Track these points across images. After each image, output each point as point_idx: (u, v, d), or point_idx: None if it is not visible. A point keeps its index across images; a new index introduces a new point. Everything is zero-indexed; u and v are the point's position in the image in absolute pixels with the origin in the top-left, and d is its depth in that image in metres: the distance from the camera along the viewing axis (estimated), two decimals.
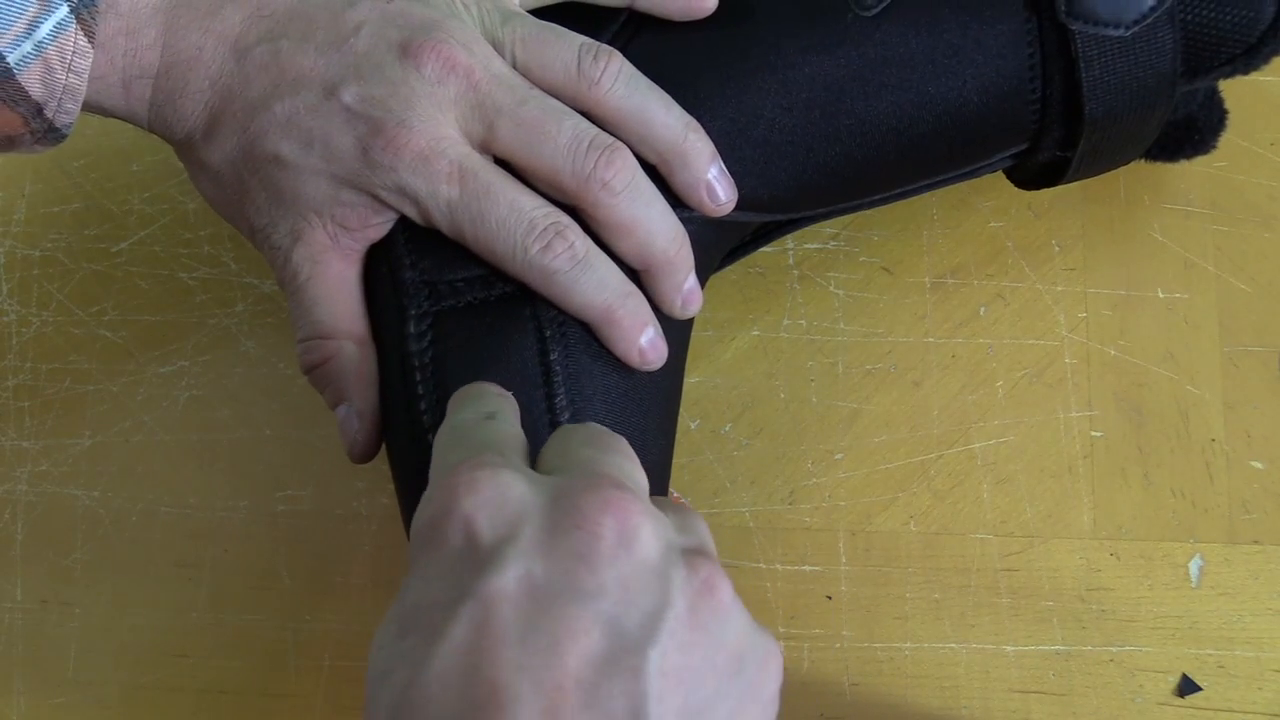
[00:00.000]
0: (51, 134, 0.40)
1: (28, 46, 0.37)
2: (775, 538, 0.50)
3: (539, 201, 0.39)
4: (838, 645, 0.49)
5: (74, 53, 0.38)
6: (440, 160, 0.39)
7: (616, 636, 0.29)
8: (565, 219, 0.40)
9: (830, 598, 0.49)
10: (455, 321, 0.40)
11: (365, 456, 0.41)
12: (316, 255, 0.40)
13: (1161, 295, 0.52)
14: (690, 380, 0.50)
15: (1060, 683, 0.48)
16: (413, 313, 0.40)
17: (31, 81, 0.37)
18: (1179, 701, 0.48)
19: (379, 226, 0.41)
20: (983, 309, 0.52)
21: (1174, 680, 0.48)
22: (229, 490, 0.51)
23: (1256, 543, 0.50)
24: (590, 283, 0.39)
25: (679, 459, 0.49)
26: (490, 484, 0.31)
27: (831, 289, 0.52)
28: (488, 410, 0.35)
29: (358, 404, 0.40)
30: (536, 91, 0.40)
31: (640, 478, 0.33)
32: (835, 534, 0.50)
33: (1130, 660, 0.49)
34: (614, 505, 0.30)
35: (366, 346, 0.41)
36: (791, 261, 0.52)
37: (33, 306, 0.53)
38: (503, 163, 0.40)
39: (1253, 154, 0.50)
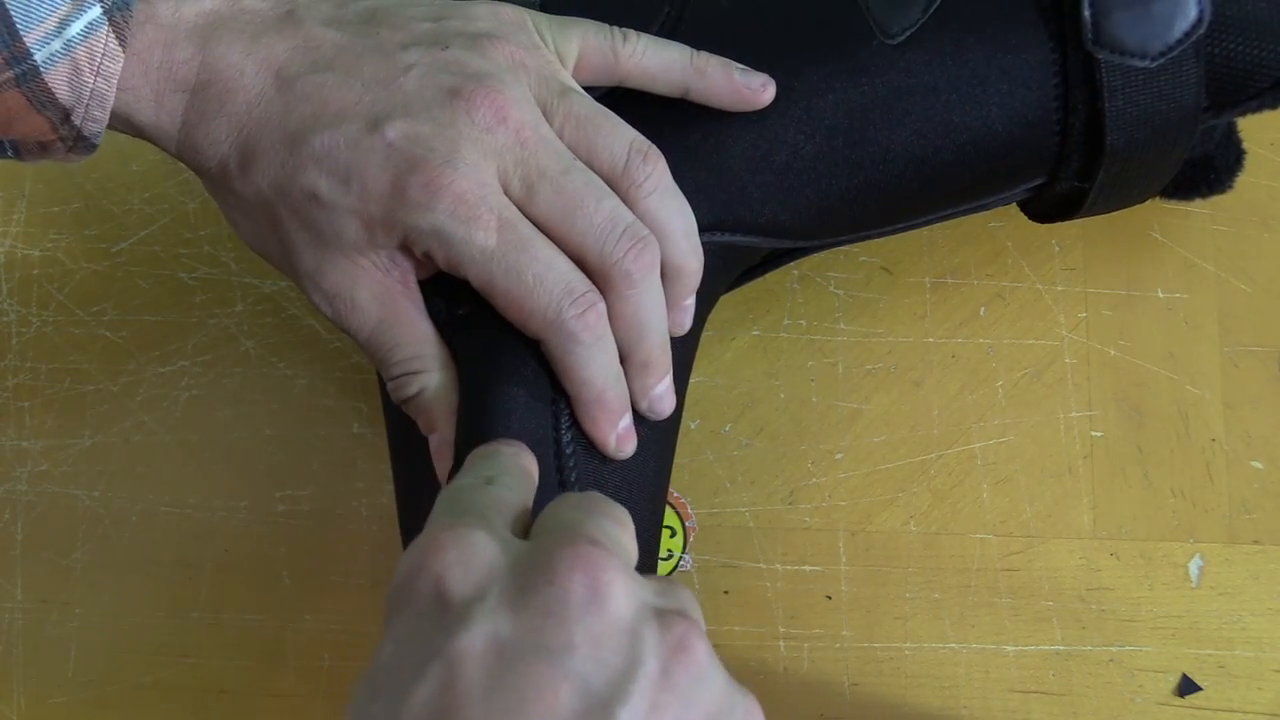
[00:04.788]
0: (81, 143, 0.39)
1: (56, 45, 0.36)
2: (775, 538, 0.50)
3: (574, 267, 0.39)
4: (838, 645, 0.49)
5: (104, 55, 0.37)
6: (480, 207, 0.38)
7: (585, 695, 0.28)
8: (597, 294, 0.39)
9: (830, 598, 0.49)
10: (470, 330, 0.40)
11: None
12: (381, 296, 0.40)
13: (1161, 295, 0.52)
14: (690, 380, 0.50)
15: (1060, 683, 0.48)
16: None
17: (59, 82, 0.37)
18: (1179, 701, 0.48)
19: (425, 264, 0.40)
20: (983, 309, 0.52)
21: (1174, 680, 0.48)
22: (229, 490, 0.51)
23: (1256, 543, 0.50)
24: (601, 361, 0.39)
25: (679, 459, 0.49)
26: (459, 544, 0.30)
27: (831, 289, 0.52)
28: (489, 473, 0.35)
29: (447, 434, 0.40)
30: (580, 164, 0.40)
31: (627, 543, 0.32)
32: (835, 534, 0.50)
33: (1130, 660, 0.49)
34: (586, 561, 0.30)
35: (451, 371, 0.40)
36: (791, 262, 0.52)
37: (33, 306, 0.53)
38: None
39: (1253, 154, 0.50)
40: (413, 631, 0.30)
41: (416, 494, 0.42)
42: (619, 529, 0.32)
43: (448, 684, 0.28)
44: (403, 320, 0.40)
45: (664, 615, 0.30)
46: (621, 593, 0.30)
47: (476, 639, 0.28)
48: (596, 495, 0.34)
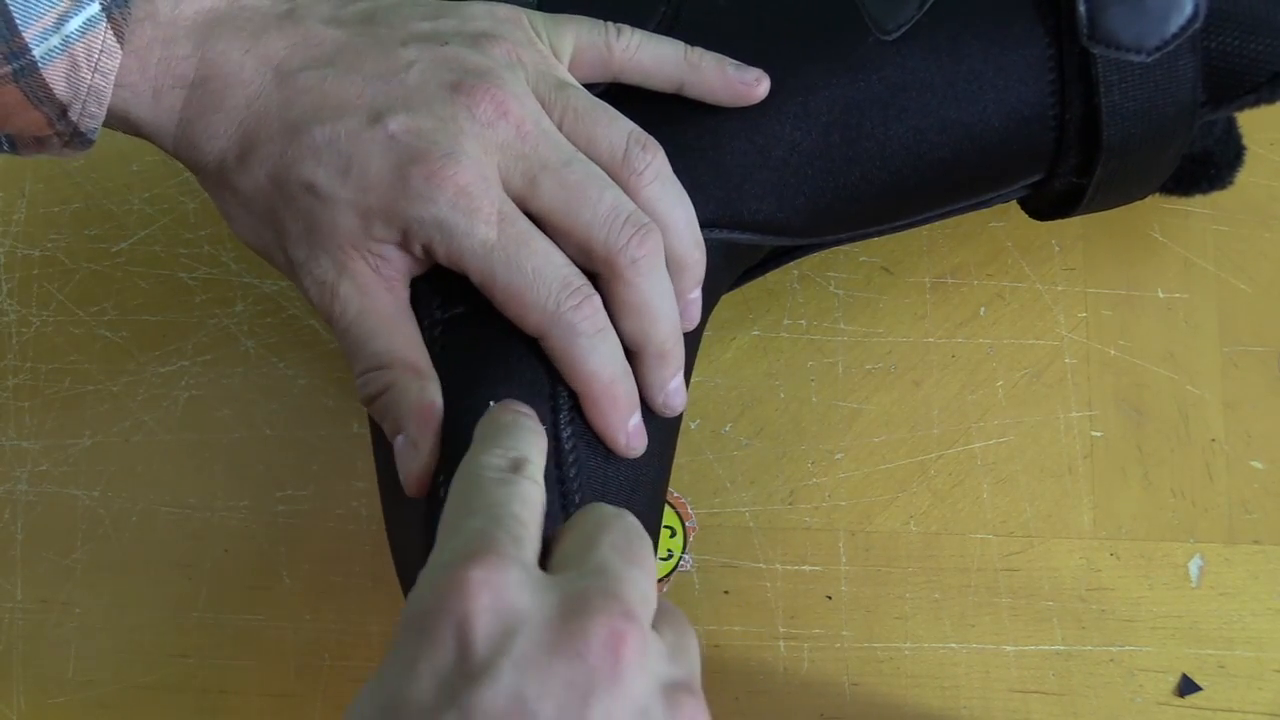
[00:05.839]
0: (78, 138, 0.39)
1: (55, 41, 0.36)
2: (775, 538, 0.50)
3: (570, 263, 0.39)
4: (838, 645, 0.49)
5: (101, 51, 0.37)
6: (482, 199, 0.38)
7: None
8: (593, 289, 0.39)
9: (830, 598, 0.49)
10: (465, 328, 0.40)
11: (421, 489, 0.39)
12: (365, 288, 0.39)
13: (1161, 295, 0.52)
14: (690, 380, 0.50)
15: (1060, 683, 0.48)
16: (424, 322, 0.40)
17: (56, 78, 0.37)
18: (1179, 701, 0.48)
19: (420, 261, 0.40)
20: (983, 309, 0.52)
21: (1174, 680, 0.48)
22: (229, 490, 0.51)
23: (1256, 543, 0.50)
24: (604, 353, 0.39)
25: (679, 459, 0.49)
26: (493, 588, 0.30)
27: (831, 288, 0.52)
28: (516, 455, 0.34)
29: (413, 435, 0.39)
30: (581, 155, 0.40)
31: (652, 595, 0.32)
32: (835, 534, 0.50)
33: (1130, 660, 0.49)
34: (617, 638, 0.29)
35: (426, 378, 0.39)
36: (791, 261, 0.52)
37: (33, 306, 0.53)
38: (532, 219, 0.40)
39: (1252, 153, 0.50)
40: (432, 671, 0.29)
41: (397, 495, 0.42)
42: (648, 580, 0.32)
43: None
44: (382, 315, 0.39)
45: (673, 692, 0.30)
46: (639, 671, 0.29)
47: (498, 697, 0.28)
48: (631, 528, 0.33)
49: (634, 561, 0.32)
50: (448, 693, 0.28)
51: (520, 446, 0.35)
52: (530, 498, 0.33)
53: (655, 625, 0.32)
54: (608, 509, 0.34)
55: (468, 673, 0.29)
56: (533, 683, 0.28)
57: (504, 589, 0.30)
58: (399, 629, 0.31)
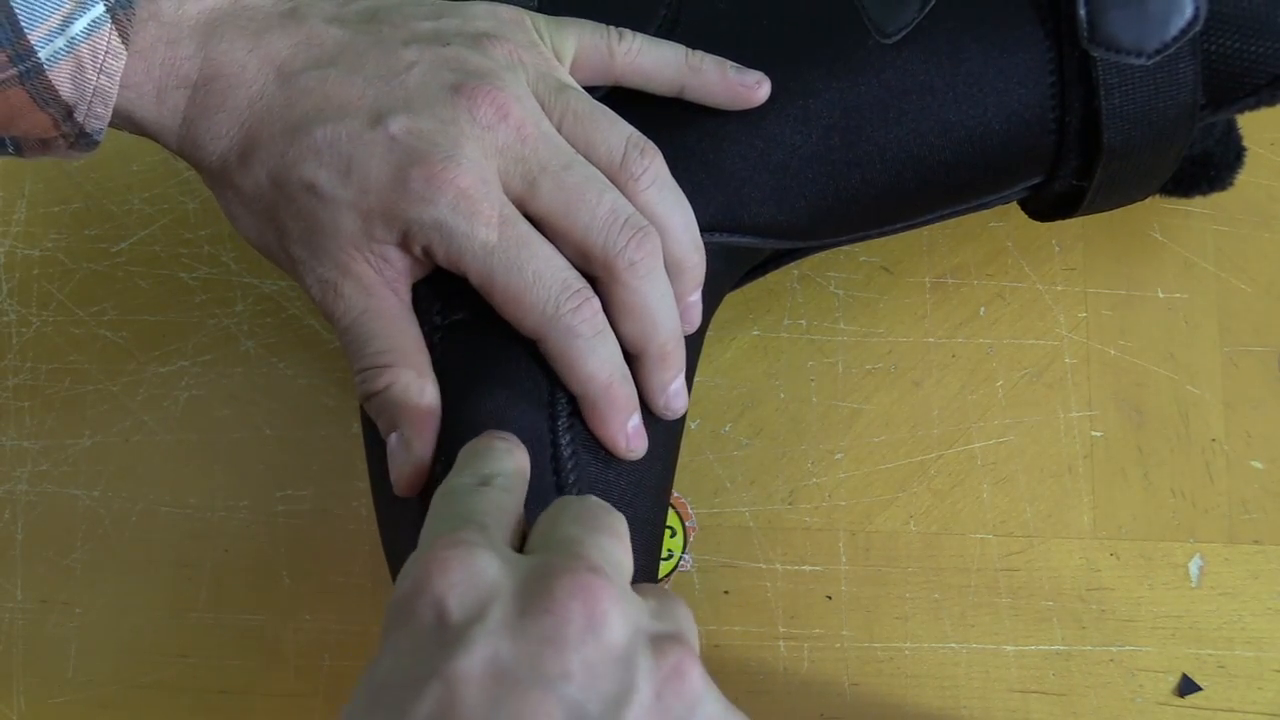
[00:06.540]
0: (83, 139, 0.39)
1: (60, 42, 0.36)
2: (775, 538, 0.50)
3: (570, 265, 0.39)
4: (838, 645, 0.49)
5: (107, 52, 0.37)
6: (483, 203, 0.38)
7: None
8: (592, 292, 0.39)
9: (830, 598, 0.49)
10: (465, 333, 0.40)
11: (411, 489, 0.39)
12: (368, 288, 0.40)
13: (1161, 295, 0.52)
14: (692, 382, 0.50)
15: (1060, 683, 0.48)
16: (424, 328, 0.40)
17: (62, 80, 0.37)
18: (1179, 701, 0.48)
19: (421, 262, 0.40)
20: (983, 309, 0.52)
21: (1174, 680, 0.48)
22: (229, 490, 0.51)
23: (1256, 543, 0.50)
24: (603, 355, 0.39)
25: (679, 459, 0.49)
26: (462, 563, 0.30)
27: (831, 289, 0.52)
28: (486, 472, 0.35)
29: (407, 433, 0.39)
30: (580, 158, 0.40)
31: (624, 559, 0.33)
32: (835, 534, 0.50)
33: (1130, 660, 0.49)
34: (584, 590, 0.30)
35: (425, 378, 0.39)
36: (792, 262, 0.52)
37: (33, 306, 0.53)
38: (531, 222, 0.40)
39: (1252, 153, 0.50)
40: (413, 648, 0.30)
41: (389, 495, 0.42)
42: (616, 544, 0.32)
43: (446, 705, 0.28)
44: (385, 315, 0.40)
45: (659, 641, 0.30)
46: (618, 621, 0.30)
47: (476, 662, 0.29)
48: (594, 504, 0.34)
49: (598, 529, 0.33)
50: (428, 664, 0.29)
51: (490, 466, 0.36)
52: (498, 501, 0.34)
53: (636, 590, 0.32)
54: (571, 498, 0.35)
55: (446, 641, 0.29)
56: (507, 643, 0.29)
57: (475, 564, 0.30)
58: (384, 622, 0.31)
